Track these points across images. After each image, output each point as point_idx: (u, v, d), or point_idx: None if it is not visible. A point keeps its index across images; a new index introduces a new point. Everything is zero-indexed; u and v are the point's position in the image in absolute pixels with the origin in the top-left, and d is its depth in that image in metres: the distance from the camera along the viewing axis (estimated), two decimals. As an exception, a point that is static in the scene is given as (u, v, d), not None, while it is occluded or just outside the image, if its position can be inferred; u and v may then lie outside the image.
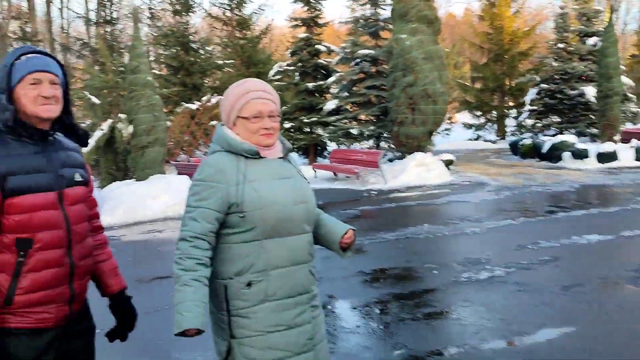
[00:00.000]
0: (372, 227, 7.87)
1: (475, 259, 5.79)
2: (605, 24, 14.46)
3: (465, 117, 28.78)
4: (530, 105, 18.12)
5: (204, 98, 14.94)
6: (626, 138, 14.43)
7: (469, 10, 59.28)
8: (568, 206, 8.76)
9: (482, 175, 13.06)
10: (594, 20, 17.57)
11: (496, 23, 24.02)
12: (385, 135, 15.24)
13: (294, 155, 2.25)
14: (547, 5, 47.75)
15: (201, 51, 19.31)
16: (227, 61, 20.87)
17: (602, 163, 13.70)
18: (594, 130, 16.33)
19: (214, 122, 15.05)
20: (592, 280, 4.91)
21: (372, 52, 14.91)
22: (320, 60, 16.81)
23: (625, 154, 13.74)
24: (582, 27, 17.65)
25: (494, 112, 24.53)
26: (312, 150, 16.92)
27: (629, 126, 16.60)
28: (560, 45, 17.36)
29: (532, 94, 18.02)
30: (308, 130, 16.74)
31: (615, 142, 14.24)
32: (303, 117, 16.36)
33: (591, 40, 17.25)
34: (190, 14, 19.26)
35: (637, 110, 17.28)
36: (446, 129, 22.46)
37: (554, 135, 16.40)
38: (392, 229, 7.52)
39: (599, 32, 17.37)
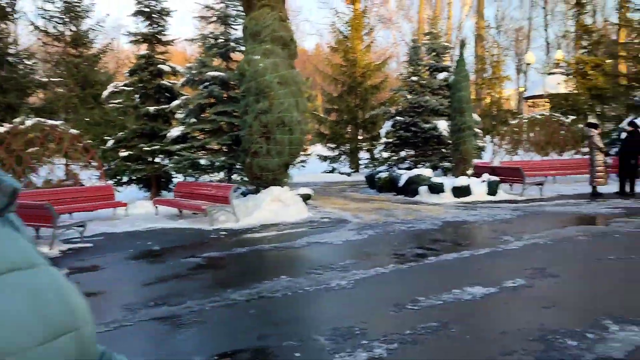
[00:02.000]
0: (219, 283, 6.30)
1: (347, 329, 4.50)
2: (457, 58, 14.56)
3: (319, 149, 28.46)
4: (386, 137, 17.90)
5: (16, 120, 12.32)
6: (478, 172, 14.51)
7: (320, 45, 60.85)
8: (437, 248, 7.95)
9: (341, 211, 12.11)
10: (443, 55, 17.96)
11: (349, 56, 24.02)
12: (238, 166, 13.77)
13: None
14: (393, 43, 50.41)
15: (20, 66, 16.47)
16: (54, 79, 18.17)
17: (458, 197, 13.55)
18: (447, 164, 16.41)
19: (31, 149, 12.49)
20: (496, 358, 3.84)
21: (222, 74, 13.45)
22: (163, 82, 14.94)
23: (478, 188, 13.74)
24: (432, 62, 17.94)
25: (348, 145, 24.33)
26: (155, 183, 14.87)
27: (476, 161, 16.95)
28: (414, 79, 17.43)
29: (387, 126, 17.82)
30: (149, 159, 14.68)
31: (468, 176, 14.25)
32: (143, 145, 14.30)
33: (441, 75, 17.55)
34: (6, 22, 16.38)
35: (483, 145, 17.84)
36: (302, 161, 21.67)
37: (408, 169, 16.20)
38: (243, 285, 6.02)
39: (448, 67, 17.76)
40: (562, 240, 8.12)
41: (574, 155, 18.11)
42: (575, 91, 25.96)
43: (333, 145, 24.40)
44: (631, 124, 14.10)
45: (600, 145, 13.78)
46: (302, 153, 17.22)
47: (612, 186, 14.30)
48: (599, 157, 13.71)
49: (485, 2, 37.57)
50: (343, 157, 24.45)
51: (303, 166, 22.08)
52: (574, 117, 19.38)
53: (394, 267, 6.79)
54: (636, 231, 8.67)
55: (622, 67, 27.39)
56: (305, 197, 12.16)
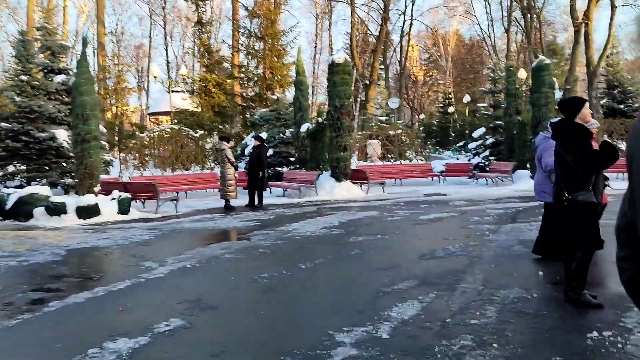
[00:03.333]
0: None
1: None
2: (78, 58, 12.54)
3: None
4: (-13, 149, 14.34)
5: None
6: (107, 189, 12.82)
7: None
8: (61, 287, 6.12)
9: None
10: (60, 55, 15.49)
11: None
12: None
13: None
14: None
15: None
16: None
17: (83, 219, 11.59)
18: (70, 181, 14.09)
19: None
20: None
21: None
22: None
23: (107, 207, 12.07)
24: (47, 61, 15.27)
25: None
26: None
27: (104, 176, 15.16)
28: (24, 78, 14.43)
29: (-14, 134, 14.28)
30: None
31: (95, 193, 12.42)
32: None
33: (59, 78, 15.07)
34: None
35: (110, 159, 16.11)
36: None
37: (20, 187, 13.28)
38: None
39: (68, 69, 15.46)
40: (210, 261, 7.35)
41: (204, 170, 18.18)
42: (200, 108, 26.75)
43: None
44: (257, 138, 14.74)
45: (232, 158, 13.92)
46: None
47: (242, 199, 14.67)
48: (230, 171, 13.81)
49: (105, 12, 35.74)
50: None
51: None
52: (201, 132, 19.56)
53: (6, 323, 4.74)
54: (276, 243, 8.61)
55: (238, 88, 29.64)
56: None
